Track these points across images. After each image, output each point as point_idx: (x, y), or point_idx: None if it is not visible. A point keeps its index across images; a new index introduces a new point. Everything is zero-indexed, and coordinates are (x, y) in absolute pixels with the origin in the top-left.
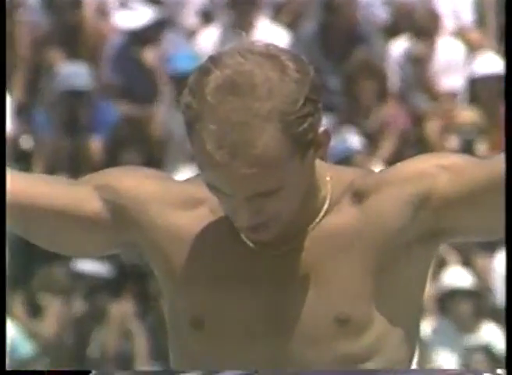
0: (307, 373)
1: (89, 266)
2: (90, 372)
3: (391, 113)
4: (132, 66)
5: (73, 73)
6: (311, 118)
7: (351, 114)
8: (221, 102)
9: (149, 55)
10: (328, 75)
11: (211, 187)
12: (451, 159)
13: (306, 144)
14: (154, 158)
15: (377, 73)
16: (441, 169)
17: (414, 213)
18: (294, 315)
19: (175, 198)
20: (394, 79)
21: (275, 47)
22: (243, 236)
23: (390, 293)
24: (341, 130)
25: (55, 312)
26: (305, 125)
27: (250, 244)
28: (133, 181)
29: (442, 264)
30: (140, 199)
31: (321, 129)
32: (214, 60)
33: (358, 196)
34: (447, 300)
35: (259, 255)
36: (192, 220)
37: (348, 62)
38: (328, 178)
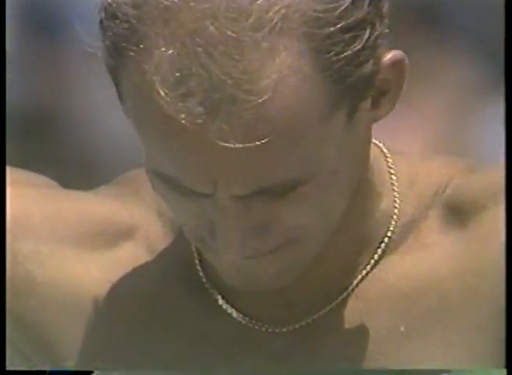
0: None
1: None
2: (91, 372)
3: None
4: None
5: None
6: (366, 32)
7: None
8: (187, 2)
9: None
10: None
11: (164, 181)
12: None
13: (357, 84)
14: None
15: None
16: None
17: None
18: None
19: (79, 232)
20: None
21: None
22: (218, 289)
23: None
24: None
25: None
26: (355, 46)
27: (231, 312)
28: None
29: None
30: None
31: (388, 55)
32: None
33: (456, 212)
34: None
35: (246, 332)
36: (111, 266)
37: None
38: (394, 177)
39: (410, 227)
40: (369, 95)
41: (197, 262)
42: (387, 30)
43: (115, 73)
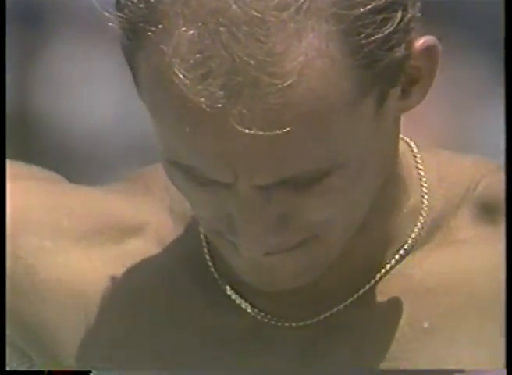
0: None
1: None
2: (90, 372)
3: None
4: None
5: None
6: (398, 14)
7: None
8: None
9: None
10: None
11: (182, 172)
12: None
13: (387, 69)
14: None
15: None
16: None
17: None
18: None
19: (85, 227)
20: None
21: None
22: (235, 284)
23: None
24: None
25: None
26: (386, 29)
27: (245, 307)
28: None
29: None
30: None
31: (420, 41)
32: None
33: (487, 210)
34: None
35: (261, 327)
36: (119, 261)
37: None
38: (422, 173)
39: (438, 224)
40: (400, 83)
41: (207, 257)
42: (419, 14)
43: (131, 55)
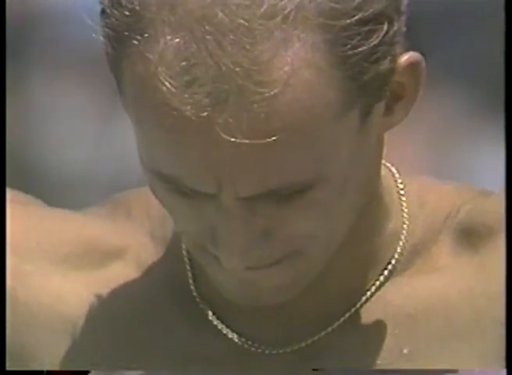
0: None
1: None
2: (88, 372)
3: None
4: None
5: None
6: (384, 27)
7: None
8: None
9: None
10: None
11: (165, 182)
12: None
13: (372, 82)
14: None
15: None
16: None
17: None
18: None
19: (66, 250)
20: None
21: None
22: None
23: None
24: None
25: None
26: (371, 41)
27: (226, 332)
28: None
29: None
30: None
31: (404, 57)
32: None
33: (468, 236)
34: None
35: (241, 353)
36: (100, 285)
37: None
38: (403, 197)
39: (419, 250)
40: (384, 97)
41: (190, 281)
42: (404, 29)
43: (116, 65)
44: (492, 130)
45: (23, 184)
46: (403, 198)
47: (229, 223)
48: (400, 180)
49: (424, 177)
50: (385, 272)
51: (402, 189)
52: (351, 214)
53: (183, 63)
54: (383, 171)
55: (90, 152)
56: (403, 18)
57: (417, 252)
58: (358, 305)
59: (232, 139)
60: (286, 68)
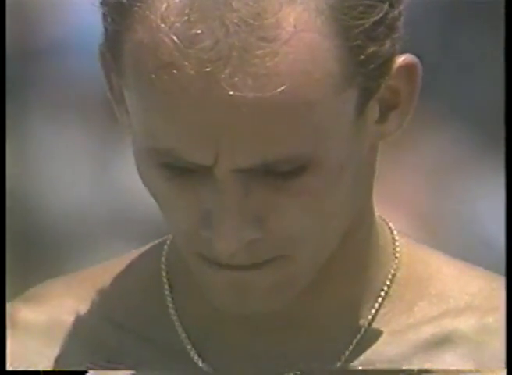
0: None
1: None
2: (86, 372)
3: None
4: None
5: None
6: (384, 6)
7: None
8: None
9: None
10: None
11: (160, 157)
12: None
13: (371, 63)
14: None
15: None
16: None
17: None
18: None
19: None
20: None
21: None
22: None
23: None
24: None
25: None
26: (372, 16)
27: (196, 360)
28: None
29: None
30: None
31: (400, 58)
32: None
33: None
34: None
35: None
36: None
37: None
38: (397, 243)
39: (396, 303)
40: (378, 91)
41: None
42: (402, 18)
43: (115, 41)
44: (493, 171)
45: (19, 221)
46: (397, 244)
47: (222, 199)
48: (395, 232)
49: (419, 244)
50: (366, 325)
51: (397, 241)
52: (340, 222)
53: (186, 18)
54: (379, 220)
55: (87, 190)
56: (402, 7)
57: (396, 309)
58: (343, 360)
59: (236, 93)
60: (289, 28)
